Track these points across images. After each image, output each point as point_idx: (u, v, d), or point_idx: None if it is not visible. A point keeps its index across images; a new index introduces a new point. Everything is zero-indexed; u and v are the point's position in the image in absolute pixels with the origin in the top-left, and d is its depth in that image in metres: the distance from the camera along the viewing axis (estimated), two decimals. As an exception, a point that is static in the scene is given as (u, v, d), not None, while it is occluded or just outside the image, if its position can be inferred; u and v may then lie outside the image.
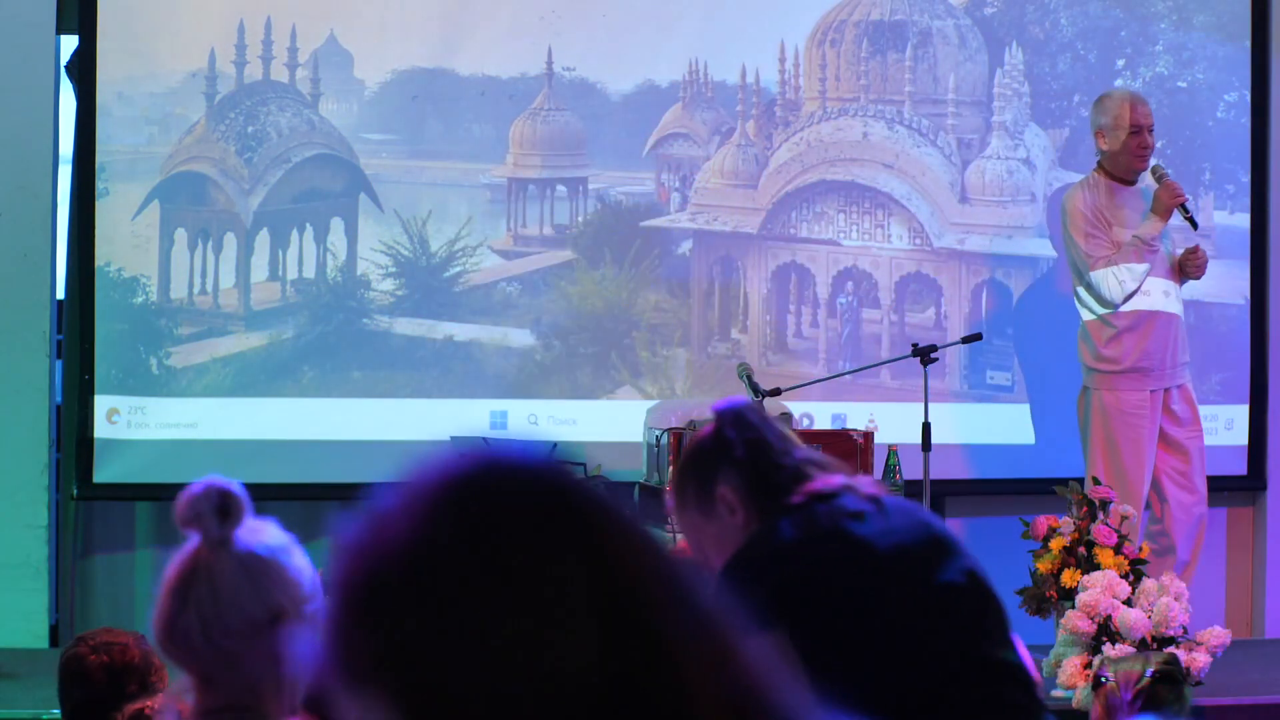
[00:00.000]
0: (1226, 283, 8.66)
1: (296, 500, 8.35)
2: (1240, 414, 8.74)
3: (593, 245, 8.44)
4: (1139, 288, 7.53)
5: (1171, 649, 6.86)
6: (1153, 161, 7.74)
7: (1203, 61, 8.77)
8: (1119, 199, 7.61)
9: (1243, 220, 8.77)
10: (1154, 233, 7.50)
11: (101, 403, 8.12)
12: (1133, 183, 7.65)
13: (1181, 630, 6.90)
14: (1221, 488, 8.67)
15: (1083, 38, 8.70)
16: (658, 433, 7.21)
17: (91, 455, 8.10)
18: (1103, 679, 4.31)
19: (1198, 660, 6.87)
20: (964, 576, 3.65)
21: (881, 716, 3.12)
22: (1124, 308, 7.56)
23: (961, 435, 8.52)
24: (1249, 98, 8.78)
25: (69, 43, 8.30)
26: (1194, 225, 7.57)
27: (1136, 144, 7.54)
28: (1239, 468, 8.73)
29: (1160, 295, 7.61)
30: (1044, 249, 8.55)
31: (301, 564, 2.61)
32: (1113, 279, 7.53)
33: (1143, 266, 7.51)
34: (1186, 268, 7.61)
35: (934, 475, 7.64)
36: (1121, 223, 7.56)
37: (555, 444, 6.18)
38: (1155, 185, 7.60)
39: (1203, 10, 8.76)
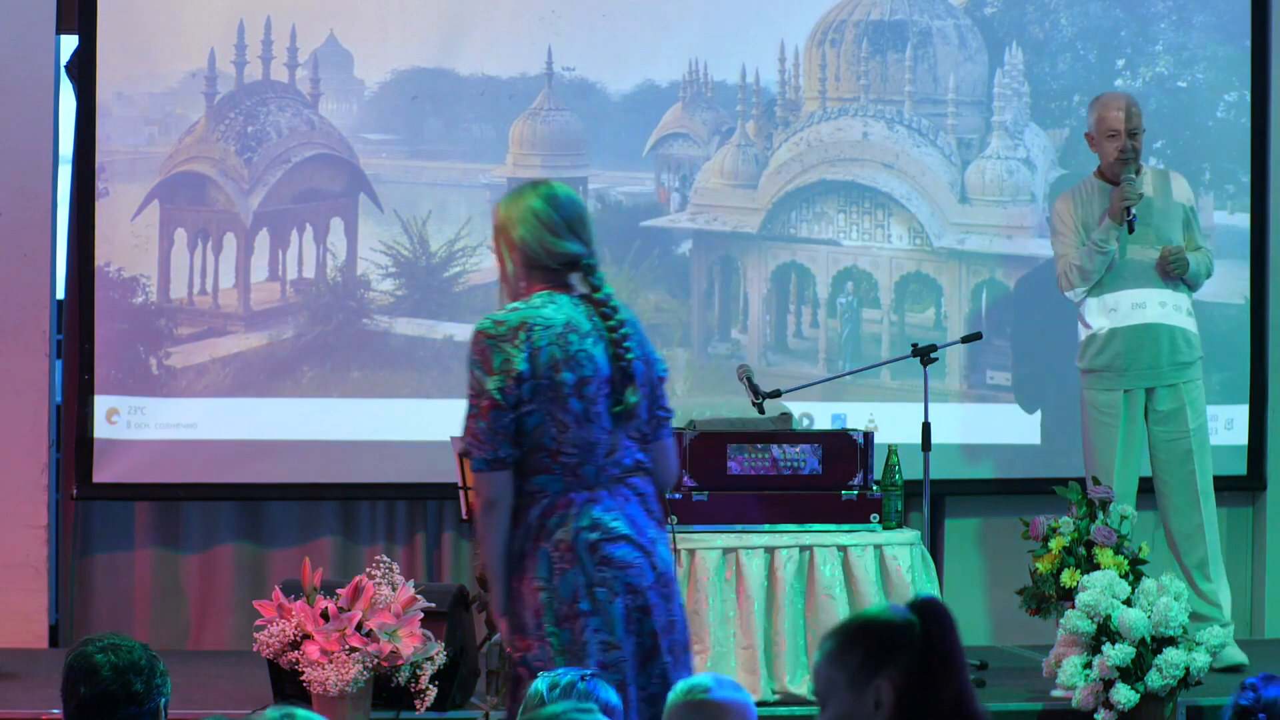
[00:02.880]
0: (1226, 283, 8.65)
1: (296, 500, 8.36)
2: (1240, 414, 8.74)
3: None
4: (1087, 285, 7.70)
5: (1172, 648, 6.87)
6: (1145, 165, 7.83)
7: (1203, 61, 8.77)
8: (1107, 202, 7.70)
9: (1242, 220, 8.77)
10: (1103, 235, 7.65)
11: (101, 403, 8.12)
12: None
13: (1181, 630, 6.90)
14: (1221, 488, 8.66)
15: (1083, 38, 8.70)
16: (658, 433, 7.21)
17: (91, 455, 8.10)
18: None
19: (1197, 660, 6.87)
20: None
21: None
22: (1110, 324, 7.72)
23: (961, 435, 8.52)
24: (1249, 98, 8.78)
25: (69, 43, 8.30)
26: (1130, 230, 7.63)
27: (1114, 148, 7.70)
28: (1239, 468, 8.73)
29: (1156, 307, 7.72)
30: (1044, 249, 8.54)
31: None
32: (1062, 277, 7.78)
33: (1090, 265, 7.66)
34: (1166, 270, 7.69)
35: (934, 475, 7.65)
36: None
37: None
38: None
39: (1203, 10, 8.76)
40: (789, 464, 7.13)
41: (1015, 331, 8.62)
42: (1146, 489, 7.86)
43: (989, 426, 8.56)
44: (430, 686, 6.67)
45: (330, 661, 6.54)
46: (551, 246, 4.77)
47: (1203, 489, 7.79)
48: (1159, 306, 7.74)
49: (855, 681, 3.08)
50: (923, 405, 7.59)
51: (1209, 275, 7.86)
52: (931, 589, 7.14)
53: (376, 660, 6.57)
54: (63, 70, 8.33)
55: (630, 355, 4.75)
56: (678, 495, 7.02)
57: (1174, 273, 7.69)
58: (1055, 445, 8.51)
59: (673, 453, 4.89)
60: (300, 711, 3.27)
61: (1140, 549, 7.27)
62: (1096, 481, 7.48)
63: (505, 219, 4.80)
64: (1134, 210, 7.58)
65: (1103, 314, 7.77)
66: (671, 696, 3.88)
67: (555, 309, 4.73)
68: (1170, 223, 7.78)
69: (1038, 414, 8.60)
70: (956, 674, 3.08)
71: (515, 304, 4.76)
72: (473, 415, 4.69)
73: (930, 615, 3.11)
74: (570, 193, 4.85)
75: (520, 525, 4.71)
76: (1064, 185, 8.44)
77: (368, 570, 6.76)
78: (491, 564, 4.74)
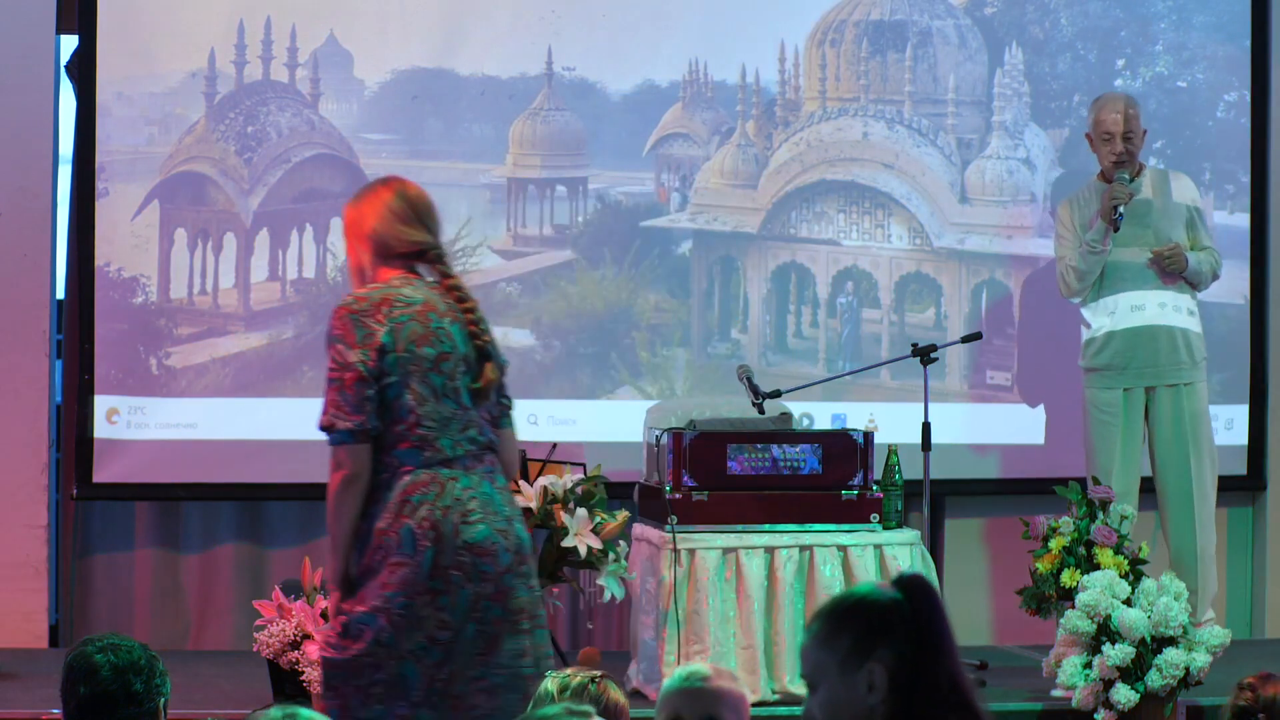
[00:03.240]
0: (1226, 283, 8.63)
1: (296, 500, 8.36)
2: (1240, 414, 8.74)
3: (593, 245, 8.44)
4: (1083, 286, 7.75)
5: (1172, 649, 6.86)
6: (1147, 165, 7.88)
7: (1203, 61, 8.77)
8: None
9: (1242, 220, 8.77)
10: (1095, 235, 7.69)
11: (101, 403, 8.12)
12: None
13: (1181, 630, 6.90)
14: (1221, 488, 8.66)
15: (1083, 38, 8.70)
16: (658, 433, 7.21)
17: (91, 455, 8.10)
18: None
19: (1197, 660, 6.87)
20: None
21: None
22: (1109, 325, 7.75)
23: (961, 435, 8.52)
24: (1249, 98, 8.78)
25: (69, 43, 8.30)
26: (1114, 229, 7.66)
27: (1109, 150, 7.75)
28: (1239, 468, 8.73)
29: (1155, 308, 7.74)
30: (1044, 249, 8.55)
31: None
32: (1060, 279, 7.83)
33: (1084, 265, 7.71)
34: (1163, 268, 7.71)
35: (934, 475, 7.64)
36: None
37: (555, 444, 6.35)
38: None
39: (1203, 10, 8.76)
40: (789, 464, 7.13)
41: (1015, 331, 8.62)
42: (1149, 488, 7.86)
43: (989, 426, 8.56)
44: (430, 686, 6.66)
45: (330, 661, 6.54)
46: (404, 235, 5.00)
47: (1198, 494, 7.79)
48: (1158, 308, 7.75)
49: (846, 665, 3.02)
50: (923, 405, 7.59)
51: (1215, 276, 7.86)
52: (931, 589, 7.13)
53: (376, 660, 6.56)
54: (63, 70, 8.33)
55: (487, 336, 5.00)
56: (678, 495, 7.02)
57: (1170, 269, 7.70)
58: (1056, 445, 8.50)
59: (514, 442, 5.10)
60: (304, 711, 3.28)
61: (1140, 549, 7.27)
62: (1096, 481, 7.48)
63: (357, 215, 5.04)
64: (1121, 210, 7.59)
65: (1103, 315, 7.78)
66: (669, 683, 3.90)
67: (413, 290, 4.96)
68: (1171, 223, 7.79)
69: (1038, 414, 8.60)
70: (948, 652, 3.04)
71: (375, 284, 4.97)
72: (335, 388, 4.84)
73: (918, 593, 3.06)
74: (420, 189, 5.11)
75: (380, 500, 4.84)
76: (1064, 184, 8.45)
77: (368, 570, 6.76)
78: (340, 535, 4.86)
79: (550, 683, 4.09)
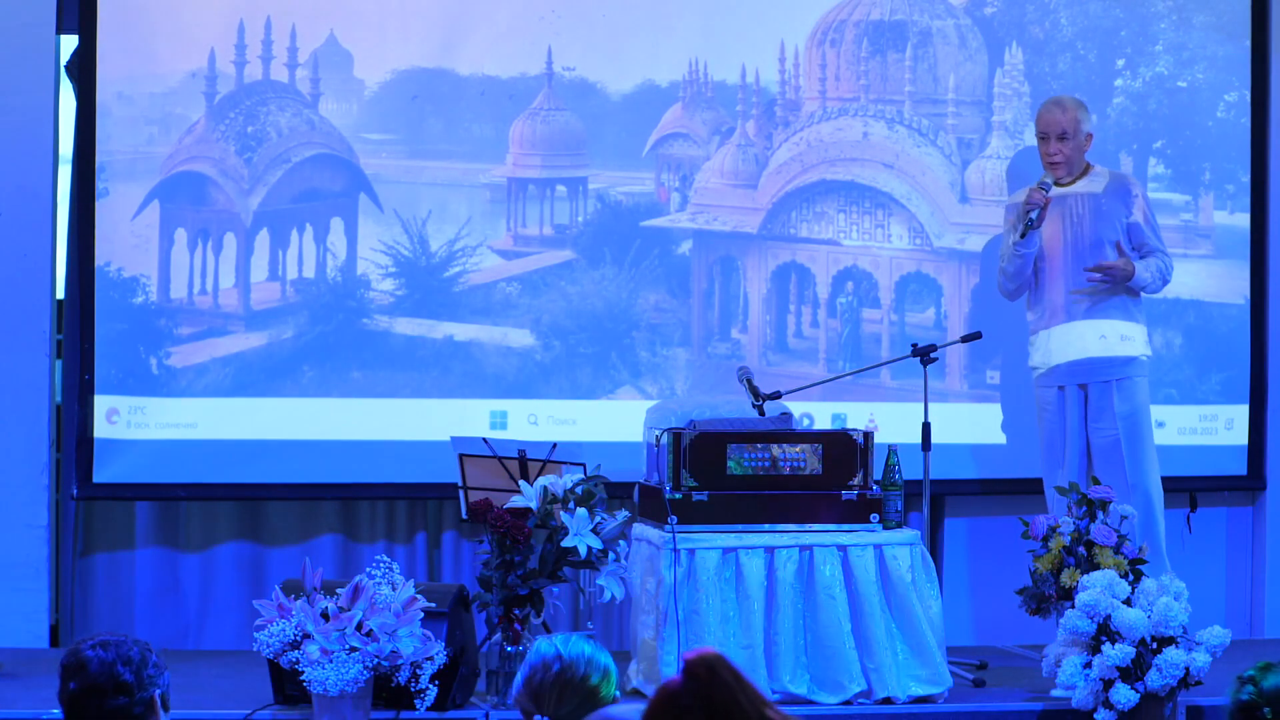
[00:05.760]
0: (1226, 283, 8.66)
1: (296, 500, 8.36)
2: (1240, 414, 8.74)
3: (593, 245, 8.44)
4: (1013, 287, 7.89)
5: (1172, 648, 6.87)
6: (1098, 169, 7.93)
7: (1203, 61, 8.77)
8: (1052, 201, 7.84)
9: (1243, 220, 8.77)
10: (1016, 238, 7.77)
11: (101, 403, 8.12)
12: (1062, 185, 7.89)
13: (1181, 630, 6.90)
14: (1221, 488, 8.67)
15: (1083, 38, 8.70)
16: (658, 433, 7.22)
17: (91, 455, 8.10)
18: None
19: (1197, 660, 6.87)
20: None
21: None
22: (1041, 326, 7.86)
23: (961, 435, 8.52)
24: (1249, 98, 8.78)
25: (69, 43, 8.30)
26: (1022, 235, 7.73)
27: (1041, 150, 7.88)
28: (1239, 468, 8.73)
29: (1092, 341, 7.78)
30: (1044, 249, 8.55)
31: None
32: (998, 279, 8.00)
33: (1011, 267, 7.84)
34: (1107, 278, 7.75)
35: (934, 475, 7.65)
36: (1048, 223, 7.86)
37: (555, 444, 6.35)
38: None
39: (1203, 10, 8.76)
40: (789, 464, 7.13)
41: (1015, 331, 8.62)
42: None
43: (989, 426, 8.56)
44: (430, 686, 6.67)
45: (330, 661, 6.54)
46: None
47: (1133, 483, 7.76)
48: (1096, 340, 7.80)
49: None
50: (923, 405, 7.60)
51: (1165, 280, 7.85)
52: (931, 589, 7.14)
53: (376, 660, 6.57)
54: (63, 70, 8.34)
55: None
56: (678, 495, 7.02)
57: (1111, 277, 7.73)
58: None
59: None
60: None
61: (1140, 549, 7.28)
62: (1096, 481, 7.48)
63: None
64: (1033, 216, 7.66)
65: (1040, 346, 7.86)
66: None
67: None
68: (1104, 241, 7.81)
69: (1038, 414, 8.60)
70: (746, 713, 3.15)
71: None
72: None
73: (693, 676, 3.18)
74: None
75: None
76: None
77: (368, 570, 6.77)
78: None
79: (548, 645, 4.16)
